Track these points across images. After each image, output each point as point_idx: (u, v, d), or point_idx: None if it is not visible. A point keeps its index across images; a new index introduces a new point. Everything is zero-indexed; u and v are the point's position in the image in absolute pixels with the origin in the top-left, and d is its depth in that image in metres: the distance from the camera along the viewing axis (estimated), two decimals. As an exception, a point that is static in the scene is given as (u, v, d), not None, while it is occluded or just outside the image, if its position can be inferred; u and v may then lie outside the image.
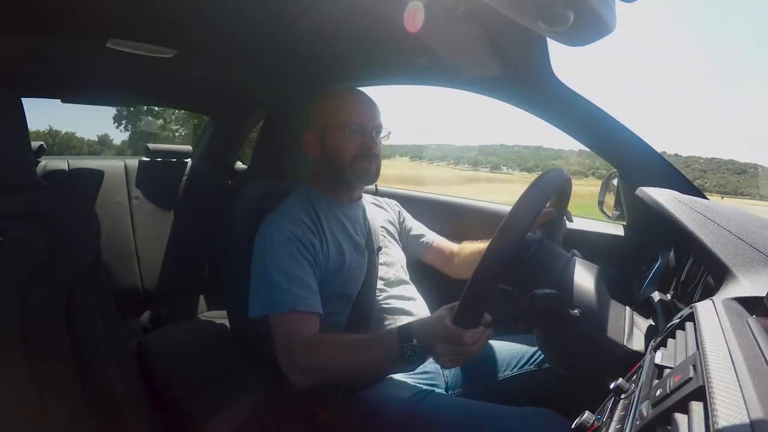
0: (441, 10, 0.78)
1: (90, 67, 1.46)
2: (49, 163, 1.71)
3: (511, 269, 0.71)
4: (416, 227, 1.21)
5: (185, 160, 2.06)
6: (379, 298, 0.98)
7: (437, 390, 0.93)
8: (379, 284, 1.00)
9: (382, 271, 1.02)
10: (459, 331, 0.68)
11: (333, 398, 0.88)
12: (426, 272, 1.22)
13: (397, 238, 1.15)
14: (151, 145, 1.99)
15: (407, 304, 1.02)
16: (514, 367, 0.99)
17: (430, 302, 1.10)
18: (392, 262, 1.06)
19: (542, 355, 0.98)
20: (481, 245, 1.12)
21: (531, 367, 0.98)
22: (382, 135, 1.00)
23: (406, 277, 1.09)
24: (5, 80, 0.77)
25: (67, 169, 1.73)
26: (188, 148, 2.16)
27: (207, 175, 2.07)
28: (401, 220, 1.20)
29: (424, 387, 0.90)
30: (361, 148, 0.95)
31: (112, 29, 1.14)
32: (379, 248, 1.03)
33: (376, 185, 1.57)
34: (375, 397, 0.86)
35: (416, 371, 0.95)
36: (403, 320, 0.98)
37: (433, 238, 1.21)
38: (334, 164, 0.97)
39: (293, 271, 0.87)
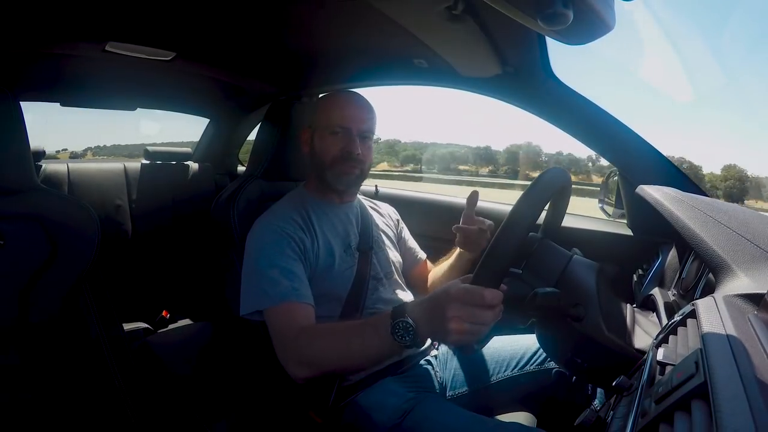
0: (440, 9, 0.78)
1: (89, 71, 1.46)
2: (49, 166, 1.71)
3: (520, 253, 0.71)
4: (411, 241, 1.21)
5: (185, 163, 2.06)
6: (371, 299, 0.97)
7: (429, 395, 0.91)
8: (372, 284, 0.99)
9: (374, 271, 1.01)
10: (478, 288, 0.60)
11: (324, 402, 0.88)
12: None
13: (395, 242, 1.14)
14: (150, 148, 1.99)
15: None
16: (514, 368, 0.99)
17: None
18: (388, 263, 1.05)
19: (542, 356, 0.98)
20: (445, 263, 1.11)
21: (531, 367, 0.98)
22: (371, 140, 1.00)
23: (401, 280, 1.08)
24: (4, 84, 0.76)
25: (67, 172, 1.73)
26: (188, 150, 2.16)
27: (207, 177, 2.07)
28: (399, 228, 1.19)
29: (415, 393, 0.89)
30: (341, 152, 0.95)
31: (111, 32, 1.14)
32: (371, 248, 1.03)
33: (376, 187, 1.57)
34: (364, 404, 0.86)
35: (407, 374, 0.95)
36: None
37: (423, 256, 1.21)
38: (318, 164, 0.98)
39: (283, 264, 0.86)
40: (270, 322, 0.84)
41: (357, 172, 0.98)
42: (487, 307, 0.60)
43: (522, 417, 0.93)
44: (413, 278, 1.19)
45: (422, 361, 1.00)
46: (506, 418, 0.93)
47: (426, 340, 0.67)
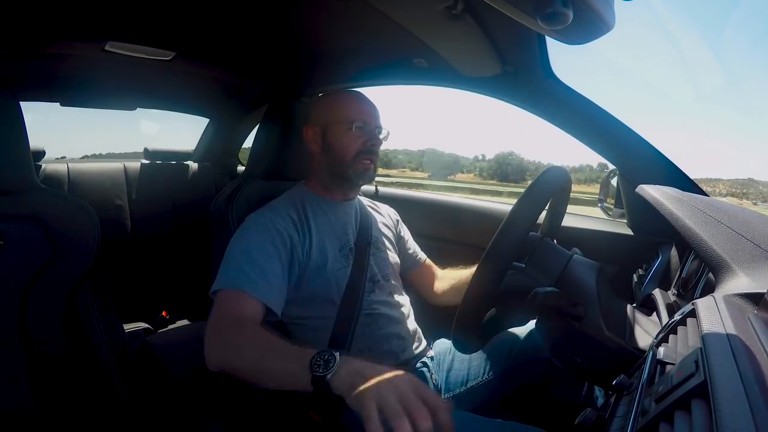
0: (439, 9, 0.78)
1: (88, 71, 1.46)
2: (49, 166, 1.71)
3: (523, 247, 0.71)
4: (411, 243, 1.20)
5: (185, 162, 2.06)
6: (367, 301, 0.96)
7: None
8: (369, 286, 0.98)
9: (371, 272, 1.00)
10: (430, 393, 0.53)
11: (324, 402, 0.87)
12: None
13: (394, 243, 1.13)
14: (150, 147, 1.99)
15: (394, 310, 1.00)
16: (507, 359, 0.97)
17: (417, 311, 1.10)
18: (386, 264, 1.05)
19: (533, 345, 0.97)
20: (463, 272, 1.10)
21: (522, 358, 0.97)
22: (381, 135, 1.01)
23: (398, 282, 1.08)
24: (4, 84, 0.77)
25: (67, 172, 1.73)
26: (188, 149, 2.17)
27: (207, 177, 2.07)
28: (399, 230, 1.19)
29: None
30: (364, 145, 0.96)
31: (111, 32, 1.14)
32: (369, 244, 1.02)
33: (376, 187, 1.57)
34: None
35: None
36: (388, 327, 0.97)
37: (424, 257, 1.20)
38: (336, 160, 0.97)
39: (255, 255, 0.84)
40: (215, 303, 0.80)
41: (374, 166, 0.99)
42: (427, 403, 0.51)
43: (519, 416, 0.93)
44: (412, 280, 1.18)
45: (418, 364, 1.00)
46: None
47: (338, 384, 0.58)
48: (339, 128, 0.96)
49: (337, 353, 0.61)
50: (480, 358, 1.00)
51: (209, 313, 0.80)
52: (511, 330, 1.04)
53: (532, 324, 1.02)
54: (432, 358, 1.04)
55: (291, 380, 0.64)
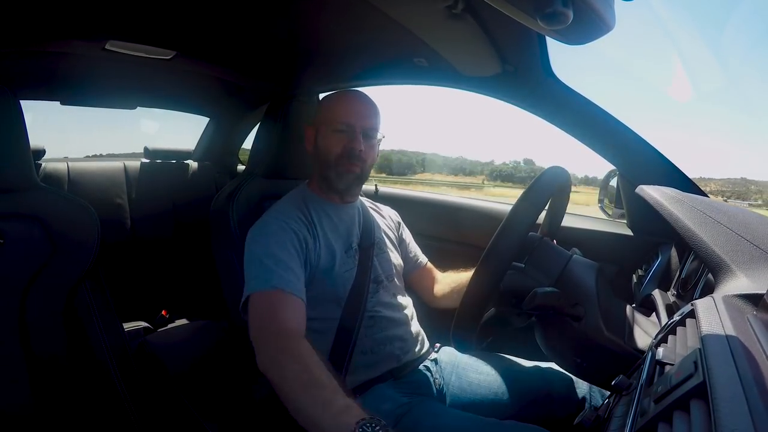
0: (440, 8, 0.78)
1: (89, 69, 1.46)
2: (49, 165, 1.71)
3: (522, 247, 0.71)
4: (413, 246, 1.19)
5: (185, 161, 2.06)
6: (371, 302, 0.96)
7: (424, 399, 0.90)
8: (373, 287, 0.97)
9: (375, 273, 0.99)
10: None
11: None
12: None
13: (396, 244, 1.13)
14: (150, 146, 1.99)
15: (397, 312, 1.00)
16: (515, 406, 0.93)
17: (421, 312, 1.10)
18: (389, 265, 1.04)
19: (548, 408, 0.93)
20: (463, 275, 1.08)
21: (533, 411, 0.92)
22: (374, 139, 0.98)
23: (401, 283, 1.07)
24: (4, 82, 0.77)
25: (67, 171, 1.73)
26: (188, 149, 2.17)
27: (207, 176, 2.07)
28: (400, 232, 1.18)
29: (409, 398, 0.88)
30: (344, 149, 0.94)
31: (111, 31, 1.14)
32: (372, 244, 1.02)
33: (376, 186, 1.57)
34: None
35: (402, 379, 0.94)
36: (390, 329, 0.96)
37: (425, 260, 1.19)
38: (321, 162, 0.97)
39: (282, 256, 0.83)
40: (252, 307, 0.78)
41: (358, 170, 0.96)
42: None
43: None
44: (413, 283, 1.17)
45: (421, 367, 0.99)
46: None
47: None
48: (325, 130, 0.95)
49: (392, 429, 0.55)
50: (490, 392, 0.96)
51: (248, 318, 0.78)
52: (531, 377, 0.99)
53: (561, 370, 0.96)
54: (436, 361, 1.04)
55: (316, 426, 0.59)
